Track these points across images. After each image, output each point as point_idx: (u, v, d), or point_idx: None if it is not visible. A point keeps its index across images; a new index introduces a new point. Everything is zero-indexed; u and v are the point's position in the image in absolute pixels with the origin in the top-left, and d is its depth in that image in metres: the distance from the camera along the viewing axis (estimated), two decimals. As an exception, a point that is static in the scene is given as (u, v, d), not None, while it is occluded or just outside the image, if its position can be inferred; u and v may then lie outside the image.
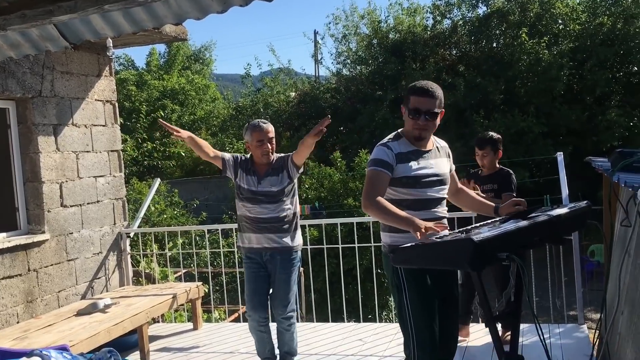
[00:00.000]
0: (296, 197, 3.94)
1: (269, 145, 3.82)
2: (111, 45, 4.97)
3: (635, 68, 14.85)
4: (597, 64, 14.17)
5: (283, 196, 3.82)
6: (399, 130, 2.88)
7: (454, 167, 3.03)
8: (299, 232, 3.93)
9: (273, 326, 4.02)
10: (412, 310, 2.70)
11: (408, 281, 2.70)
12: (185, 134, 3.92)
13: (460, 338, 4.34)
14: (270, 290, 3.95)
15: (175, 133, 3.86)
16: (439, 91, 2.77)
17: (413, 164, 2.75)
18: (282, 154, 3.94)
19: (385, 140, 2.84)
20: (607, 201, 3.92)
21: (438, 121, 2.81)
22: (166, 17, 2.42)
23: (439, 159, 2.88)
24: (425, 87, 2.75)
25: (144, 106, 17.13)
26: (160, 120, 4.03)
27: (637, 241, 3.00)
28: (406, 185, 2.74)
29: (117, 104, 5.92)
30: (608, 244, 3.90)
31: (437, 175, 2.82)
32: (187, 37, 5.96)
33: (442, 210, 2.85)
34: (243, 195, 3.87)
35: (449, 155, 2.99)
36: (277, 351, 4.08)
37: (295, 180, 3.92)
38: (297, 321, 5.74)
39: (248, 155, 3.96)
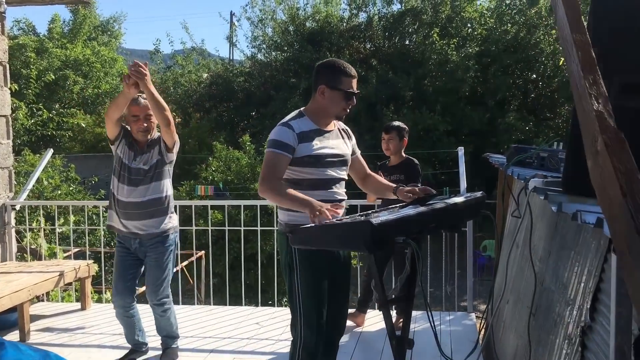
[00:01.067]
0: (167, 181, 3.71)
1: (144, 123, 3.59)
2: (4, 0, 4.57)
3: (534, 76, 15.77)
4: (500, 69, 14.92)
5: (151, 176, 3.61)
6: (301, 109, 2.84)
7: (358, 151, 3.03)
8: (171, 216, 3.73)
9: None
10: (303, 290, 2.68)
11: (301, 261, 2.67)
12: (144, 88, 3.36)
13: (350, 324, 4.43)
14: (139, 276, 3.80)
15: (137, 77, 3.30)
16: None
17: (315, 143, 2.72)
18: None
19: (286, 119, 2.77)
20: (500, 194, 4.10)
21: None
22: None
23: (339, 140, 2.87)
24: (352, 69, 2.79)
25: (33, 69, 15.91)
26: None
27: (524, 233, 3.14)
28: (308, 164, 2.70)
29: (7, 65, 5.46)
30: (499, 235, 4.08)
31: (338, 155, 2.81)
32: (92, 1, 5.60)
33: (341, 191, 2.84)
34: (119, 169, 3.64)
35: (350, 137, 2.98)
36: (141, 336, 3.94)
37: (168, 162, 3.67)
38: (195, 304, 5.62)
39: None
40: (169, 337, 3.91)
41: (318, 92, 2.77)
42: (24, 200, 5.61)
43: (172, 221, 3.76)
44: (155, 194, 3.63)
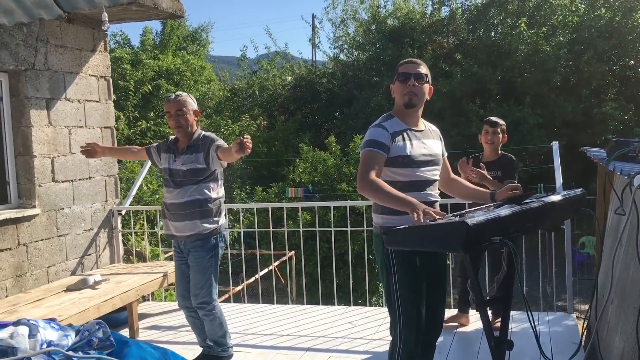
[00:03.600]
0: (214, 184, 3.69)
1: (175, 120, 3.64)
2: (106, 19, 4.87)
3: (632, 62, 14.85)
4: (594, 56, 14.15)
5: (191, 179, 3.61)
6: (390, 112, 2.87)
7: (446, 153, 3.02)
8: (215, 219, 3.68)
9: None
10: (400, 291, 2.70)
11: (398, 262, 2.69)
12: (98, 154, 3.99)
13: (448, 324, 4.41)
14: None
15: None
16: (424, 64, 2.86)
17: (408, 143, 2.74)
18: (209, 136, 3.69)
19: (378, 121, 2.82)
20: (601, 190, 3.92)
21: (427, 91, 2.82)
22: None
23: (431, 140, 2.87)
24: (411, 58, 2.89)
25: (132, 82, 16.96)
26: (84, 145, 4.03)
27: (629, 230, 3.00)
28: (402, 165, 2.72)
29: (111, 80, 5.85)
30: (601, 232, 3.91)
31: (430, 155, 2.81)
32: (184, 14, 5.88)
33: (435, 193, 2.84)
34: (164, 175, 3.76)
35: (440, 138, 2.98)
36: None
37: (215, 171, 3.68)
38: (289, 303, 5.77)
39: None
40: (215, 342, 3.88)
41: (392, 93, 2.88)
42: (129, 206, 5.98)
43: (216, 225, 3.70)
44: (198, 195, 3.62)
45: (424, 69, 2.80)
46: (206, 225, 3.65)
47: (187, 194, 3.62)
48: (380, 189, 2.61)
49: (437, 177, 2.87)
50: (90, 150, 3.98)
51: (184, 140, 3.71)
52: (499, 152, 4.43)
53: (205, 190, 3.65)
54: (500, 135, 4.39)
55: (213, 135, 3.72)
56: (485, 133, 4.41)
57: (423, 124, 2.90)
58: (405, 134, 2.76)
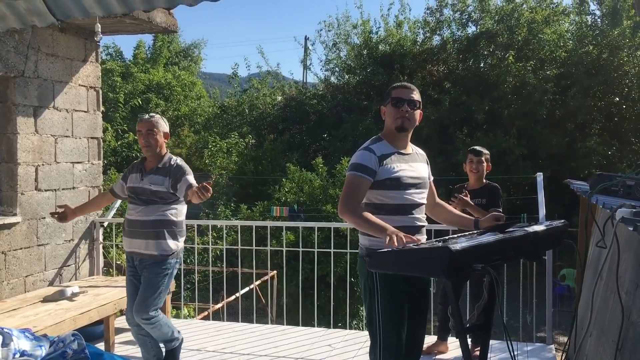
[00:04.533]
0: (179, 207, 3.73)
1: (145, 139, 3.67)
2: (99, 30, 4.89)
3: (617, 99, 15.11)
4: (580, 91, 14.39)
5: (157, 200, 3.65)
6: (379, 135, 2.90)
7: (432, 177, 3.04)
8: (172, 240, 3.69)
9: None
10: (382, 314, 2.70)
11: (381, 285, 2.69)
12: (69, 216, 3.92)
13: (427, 352, 4.39)
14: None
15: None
16: (416, 90, 2.89)
17: (395, 166, 2.76)
18: (181, 167, 3.70)
19: (367, 143, 2.85)
20: (583, 223, 3.96)
21: (418, 116, 2.85)
22: (158, 0, 2.37)
23: (418, 163, 2.90)
24: (405, 83, 2.92)
25: (122, 95, 16.95)
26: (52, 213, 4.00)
27: (610, 263, 3.03)
28: (389, 187, 2.74)
29: (100, 91, 5.84)
30: (582, 265, 3.94)
31: (417, 178, 2.83)
32: (178, 29, 5.91)
33: (421, 216, 2.85)
34: (129, 194, 3.77)
35: (427, 162, 3.02)
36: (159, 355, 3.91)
37: (180, 198, 3.70)
38: (268, 323, 5.72)
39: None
40: (167, 341, 3.86)
41: (382, 115, 2.90)
42: (112, 218, 5.93)
43: (175, 246, 3.72)
44: (163, 216, 3.66)
45: (416, 95, 2.84)
46: (168, 246, 3.68)
47: (153, 213, 3.65)
48: (358, 214, 2.65)
49: (424, 201, 2.89)
50: (62, 214, 3.92)
51: (152, 160, 3.74)
52: (484, 180, 4.47)
53: (171, 212, 3.70)
54: (485, 164, 4.44)
55: (185, 167, 3.72)
56: (470, 162, 4.45)
57: (411, 147, 2.93)
58: (393, 157, 2.78)
